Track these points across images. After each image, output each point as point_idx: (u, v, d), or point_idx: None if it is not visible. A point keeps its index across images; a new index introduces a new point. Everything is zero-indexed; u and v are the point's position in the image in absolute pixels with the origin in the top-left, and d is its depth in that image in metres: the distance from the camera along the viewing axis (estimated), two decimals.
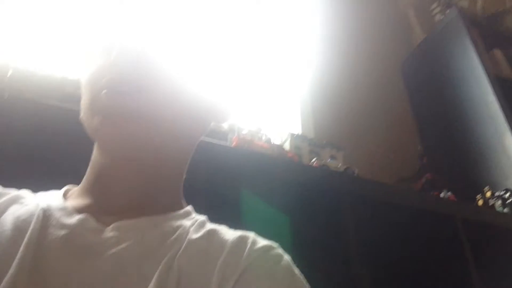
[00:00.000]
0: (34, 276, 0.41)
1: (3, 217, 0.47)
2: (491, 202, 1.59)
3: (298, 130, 1.85)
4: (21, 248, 0.42)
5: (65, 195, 0.54)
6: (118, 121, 0.46)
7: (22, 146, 0.93)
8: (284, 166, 1.18)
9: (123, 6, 0.56)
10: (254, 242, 0.48)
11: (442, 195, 1.54)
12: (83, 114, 0.52)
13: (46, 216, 0.47)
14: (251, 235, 0.50)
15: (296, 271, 0.48)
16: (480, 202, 1.61)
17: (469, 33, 2.10)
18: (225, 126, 1.31)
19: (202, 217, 0.55)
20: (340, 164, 1.36)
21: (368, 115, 2.02)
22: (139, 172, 0.52)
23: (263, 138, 1.29)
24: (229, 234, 0.50)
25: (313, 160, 1.34)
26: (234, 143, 1.18)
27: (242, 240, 0.48)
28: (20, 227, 0.45)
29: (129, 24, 0.53)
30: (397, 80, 2.35)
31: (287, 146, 1.42)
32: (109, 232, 0.46)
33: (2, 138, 0.91)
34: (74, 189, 0.56)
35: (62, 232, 0.45)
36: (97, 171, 0.53)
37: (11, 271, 0.40)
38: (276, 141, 1.38)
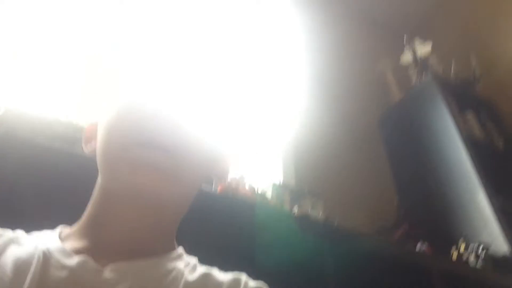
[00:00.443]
0: None
1: (2, 258, 0.47)
2: (465, 255, 1.64)
3: (279, 179, 1.89)
4: None
5: (60, 236, 0.55)
6: (148, 173, 0.49)
7: (13, 183, 0.94)
8: (267, 214, 1.20)
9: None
10: (246, 285, 0.51)
11: (419, 245, 1.58)
12: (104, 148, 0.54)
13: (46, 257, 0.48)
14: (243, 277, 0.53)
15: None
16: (455, 255, 1.65)
17: (443, 96, 2.23)
18: None
19: (193, 259, 0.57)
20: (320, 213, 1.39)
21: (347, 167, 2.09)
22: (140, 215, 0.53)
23: (247, 186, 1.32)
24: (222, 276, 0.53)
25: (294, 208, 1.37)
26: (219, 189, 1.21)
27: (235, 282, 0.52)
28: (20, 268, 0.46)
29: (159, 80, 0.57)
30: (375, 135, 2.45)
31: (269, 194, 1.45)
32: (108, 274, 0.47)
33: None
34: (68, 230, 0.57)
35: (63, 273, 0.46)
36: (97, 212, 0.55)
37: None
38: (259, 189, 1.42)
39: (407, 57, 2.58)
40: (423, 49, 2.56)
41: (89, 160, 1.05)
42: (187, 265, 0.54)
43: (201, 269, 0.54)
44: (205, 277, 0.52)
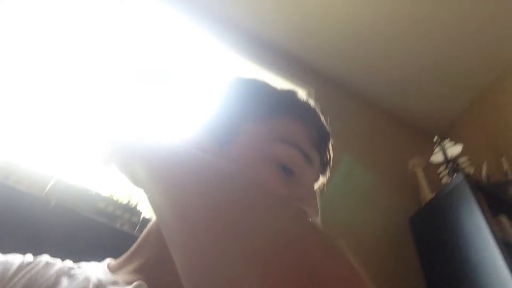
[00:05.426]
0: None
1: None
2: None
3: None
4: None
5: (109, 267, 0.54)
6: None
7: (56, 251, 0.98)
8: None
9: None
10: None
11: None
12: None
13: None
14: None
15: None
16: None
17: (475, 197, 2.19)
18: None
19: None
20: None
21: (377, 264, 2.03)
22: None
23: None
24: None
25: None
26: None
27: None
28: None
29: None
30: (406, 234, 2.39)
31: None
32: None
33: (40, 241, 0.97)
34: (116, 262, 0.57)
35: None
36: (154, 249, 0.53)
37: None
38: None
39: (437, 157, 2.60)
40: (454, 149, 2.58)
41: (129, 236, 1.09)
42: None
43: None
44: None
